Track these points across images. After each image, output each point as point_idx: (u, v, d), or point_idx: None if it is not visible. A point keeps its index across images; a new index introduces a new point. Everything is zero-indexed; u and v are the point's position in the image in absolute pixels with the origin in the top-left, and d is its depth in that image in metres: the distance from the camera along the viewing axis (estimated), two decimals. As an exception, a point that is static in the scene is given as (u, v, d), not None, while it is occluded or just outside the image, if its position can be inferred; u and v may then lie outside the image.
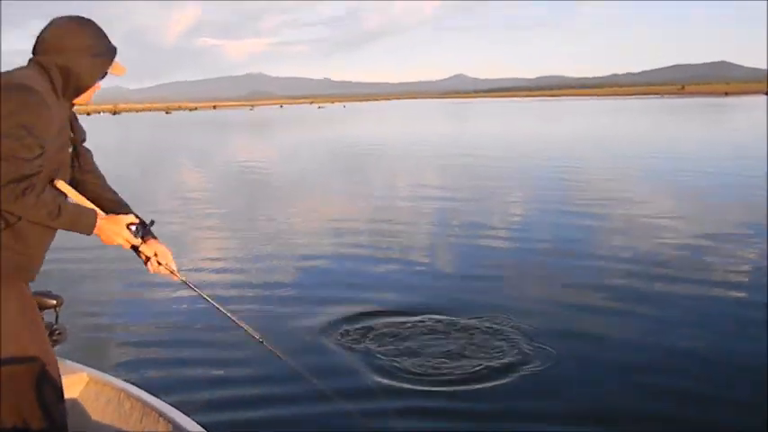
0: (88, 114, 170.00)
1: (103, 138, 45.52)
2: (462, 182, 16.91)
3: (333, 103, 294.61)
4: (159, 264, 2.49)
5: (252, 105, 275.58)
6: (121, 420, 2.78)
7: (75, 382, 2.92)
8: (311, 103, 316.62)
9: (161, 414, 2.63)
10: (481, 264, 8.48)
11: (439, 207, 12.97)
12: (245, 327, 2.74)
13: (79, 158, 2.46)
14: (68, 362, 2.98)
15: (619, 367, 5.13)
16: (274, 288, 7.50)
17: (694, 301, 6.66)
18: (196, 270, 8.23)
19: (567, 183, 15.83)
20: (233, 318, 2.72)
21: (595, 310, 6.51)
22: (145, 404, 2.74)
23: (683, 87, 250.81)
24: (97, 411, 2.85)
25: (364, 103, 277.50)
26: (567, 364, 5.11)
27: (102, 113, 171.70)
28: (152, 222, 2.53)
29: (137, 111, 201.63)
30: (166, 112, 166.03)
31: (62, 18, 2.30)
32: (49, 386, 2.30)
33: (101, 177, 2.60)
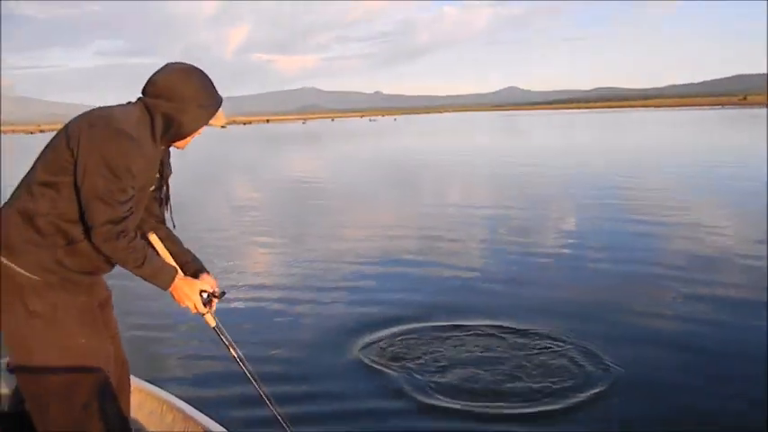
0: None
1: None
2: (516, 192, 16.41)
3: (384, 116, 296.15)
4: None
5: (304, 119, 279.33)
6: None
7: None
8: (362, 116, 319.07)
9: (204, 429, 2.58)
10: (535, 273, 8.26)
11: (493, 217, 12.68)
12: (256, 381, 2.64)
13: (162, 193, 2.54)
14: None
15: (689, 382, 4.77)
16: (325, 293, 7.44)
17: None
18: (249, 276, 8.37)
19: (622, 192, 15.22)
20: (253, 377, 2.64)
21: (657, 322, 6.20)
22: (187, 417, 2.68)
23: (744, 98, 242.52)
24: (140, 421, 2.80)
25: (415, 115, 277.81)
26: (636, 378, 4.81)
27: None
28: (223, 294, 2.55)
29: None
30: (222, 127, 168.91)
31: (176, 65, 2.35)
32: (109, 398, 2.33)
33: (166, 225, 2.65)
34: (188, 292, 2.40)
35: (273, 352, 5.61)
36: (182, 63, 2.37)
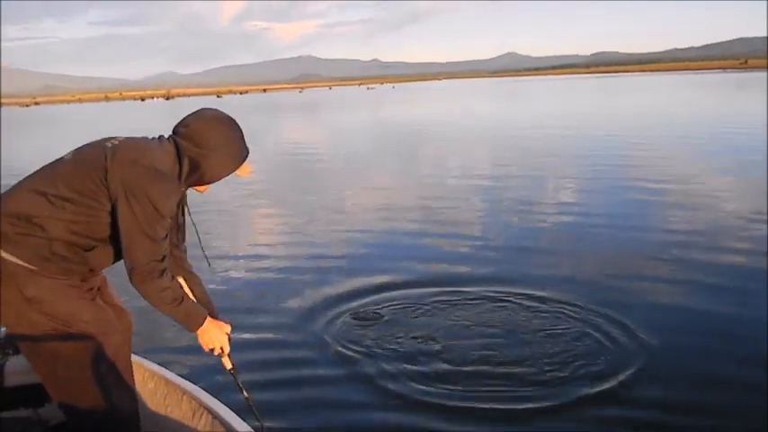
0: (143, 100, 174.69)
1: (160, 124, 45.81)
2: (519, 158, 16.07)
3: (382, 84, 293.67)
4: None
5: (301, 88, 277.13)
6: (155, 404, 2.78)
7: None
8: (360, 84, 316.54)
9: (207, 408, 2.58)
10: (543, 238, 8.15)
11: (494, 184, 12.51)
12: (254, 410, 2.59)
13: (179, 232, 2.60)
14: None
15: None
16: (324, 263, 7.29)
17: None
18: (249, 246, 8.32)
19: (628, 158, 14.86)
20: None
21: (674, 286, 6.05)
22: (190, 396, 2.68)
23: (746, 61, 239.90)
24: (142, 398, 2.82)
25: (414, 83, 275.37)
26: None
27: (155, 99, 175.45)
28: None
29: (188, 96, 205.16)
30: (217, 96, 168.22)
31: (211, 113, 2.41)
32: (121, 371, 2.42)
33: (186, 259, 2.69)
34: (218, 334, 2.47)
35: (264, 319, 5.56)
36: (217, 111, 2.42)
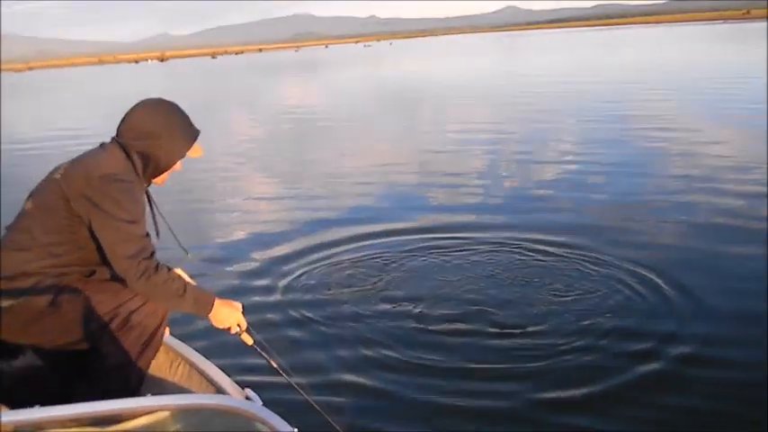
0: (137, 62, 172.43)
1: (154, 85, 45.25)
2: (516, 116, 15.60)
3: (379, 41, 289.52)
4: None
5: (297, 47, 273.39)
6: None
7: None
8: (357, 42, 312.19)
9: (202, 372, 2.57)
10: (544, 193, 8.10)
11: (496, 141, 12.28)
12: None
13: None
14: None
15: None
16: (321, 212, 7.58)
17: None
18: (249, 212, 8.33)
19: (634, 111, 14.05)
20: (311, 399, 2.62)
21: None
22: (189, 362, 2.65)
23: (747, 12, 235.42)
24: None
25: (411, 40, 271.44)
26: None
27: (149, 61, 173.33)
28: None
29: (183, 57, 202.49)
30: (212, 57, 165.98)
31: (147, 102, 2.42)
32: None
33: None
34: (231, 312, 2.45)
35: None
36: (153, 99, 2.44)
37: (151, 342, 2.41)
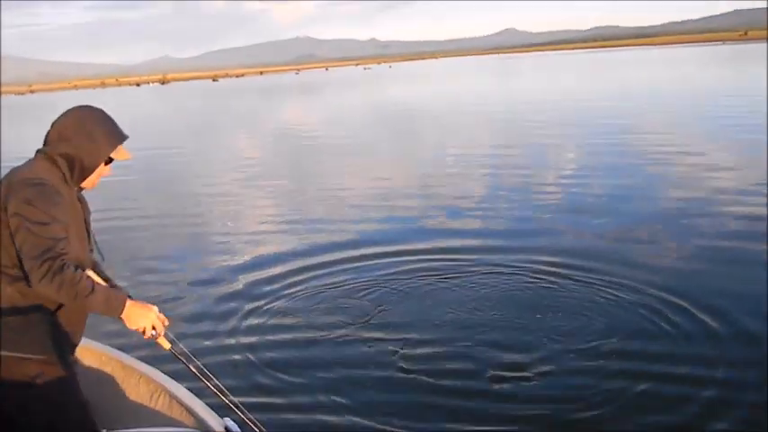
0: (138, 85, 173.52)
1: (155, 108, 45.35)
2: (519, 139, 15.59)
3: (379, 63, 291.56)
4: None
5: (297, 70, 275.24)
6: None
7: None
8: (357, 64, 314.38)
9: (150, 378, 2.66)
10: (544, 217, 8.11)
11: (495, 164, 12.30)
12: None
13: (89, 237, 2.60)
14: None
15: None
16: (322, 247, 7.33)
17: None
18: (250, 233, 8.40)
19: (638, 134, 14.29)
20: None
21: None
22: (125, 366, 2.76)
23: (745, 33, 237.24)
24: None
25: (411, 62, 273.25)
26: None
27: (151, 84, 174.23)
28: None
29: (184, 80, 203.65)
30: (213, 80, 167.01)
31: (70, 109, 2.46)
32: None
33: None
34: (144, 313, 2.40)
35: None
36: (76, 106, 2.48)
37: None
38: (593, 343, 4.41)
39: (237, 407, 2.50)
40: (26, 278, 2.21)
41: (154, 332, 2.44)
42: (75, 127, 2.38)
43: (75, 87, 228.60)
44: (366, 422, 3.69)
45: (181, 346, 2.60)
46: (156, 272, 6.96)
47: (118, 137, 2.48)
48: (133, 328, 2.39)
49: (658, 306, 4.90)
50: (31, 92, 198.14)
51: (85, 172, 2.41)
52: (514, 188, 9.97)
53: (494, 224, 7.85)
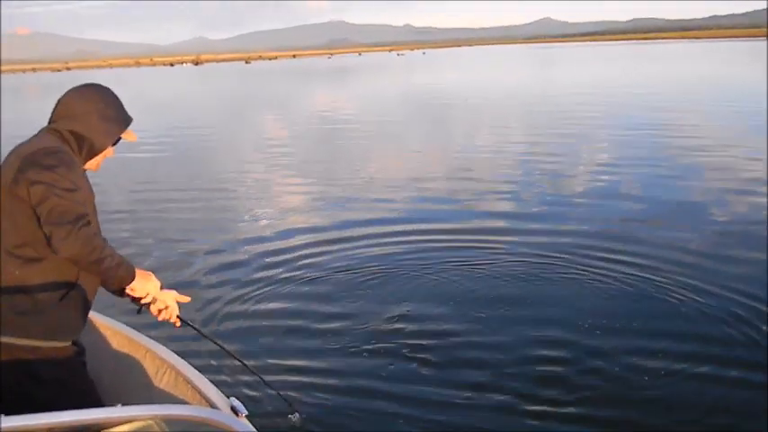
0: (172, 65, 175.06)
1: (188, 88, 45.65)
2: (551, 131, 15.07)
3: (412, 50, 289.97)
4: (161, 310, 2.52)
5: (330, 54, 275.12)
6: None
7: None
8: (390, 50, 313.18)
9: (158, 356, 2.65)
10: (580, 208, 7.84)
11: (526, 159, 11.76)
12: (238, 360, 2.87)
13: None
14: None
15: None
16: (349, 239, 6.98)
17: None
18: (277, 219, 8.11)
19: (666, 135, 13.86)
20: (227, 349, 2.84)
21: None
22: (132, 341, 2.76)
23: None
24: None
25: (445, 49, 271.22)
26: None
27: (185, 64, 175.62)
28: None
29: (217, 61, 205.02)
30: (246, 62, 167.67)
31: (78, 86, 2.41)
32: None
33: None
34: (147, 277, 2.37)
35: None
36: (83, 84, 2.43)
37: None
38: (642, 341, 4.21)
39: (263, 379, 2.62)
40: (38, 259, 2.18)
41: (165, 310, 2.43)
42: (86, 105, 2.33)
43: (111, 66, 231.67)
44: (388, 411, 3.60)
45: (197, 327, 2.67)
46: (178, 248, 6.96)
47: (127, 118, 2.45)
48: (139, 295, 2.36)
49: (736, 310, 4.63)
50: (68, 69, 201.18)
51: (93, 151, 2.36)
52: (553, 174, 9.82)
53: (529, 209, 7.79)
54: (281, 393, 3.38)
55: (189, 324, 2.62)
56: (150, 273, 2.43)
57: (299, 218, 8.00)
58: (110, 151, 2.42)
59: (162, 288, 2.44)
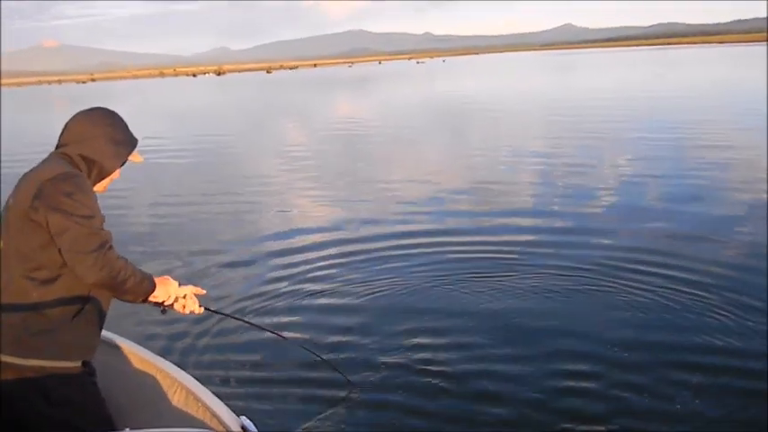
0: (194, 76, 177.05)
1: (209, 97, 45.97)
2: (571, 141, 15.01)
3: (432, 58, 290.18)
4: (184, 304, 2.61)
5: (350, 63, 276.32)
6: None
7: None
8: (410, 58, 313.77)
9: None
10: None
11: (544, 169, 11.61)
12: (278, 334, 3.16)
13: None
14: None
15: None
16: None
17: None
18: (298, 228, 8.07)
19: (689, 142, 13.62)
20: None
21: None
22: (143, 360, 2.75)
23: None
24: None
25: (465, 57, 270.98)
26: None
27: (207, 75, 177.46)
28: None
29: (239, 71, 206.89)
30: (267, 72, 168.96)
31: (83, 111, 2.43)
32: None
33: None
34: (167, 282, 2.47)
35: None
36: (89, 108, 2.45)
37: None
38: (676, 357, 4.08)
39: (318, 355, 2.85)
40: (54, 279, 2.20)
41: (184, 300, 2.54)
42: (94, 129, 2.35)
43: (135, 77, 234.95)
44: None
45: (220, 311, 2.79)
46: (202, 254, 7.07)
47: (133, 140, 2.48)
48: (162, 300, 2.46)
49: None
50: (92, 80, 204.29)
51: (103, 174, 2.39)
52: (579, 186, 9.65)
53: (555, 221, 7.65)
54: (338, 369, 3.83)
55: (212, 310, 2.81)
56: (167, 277, 2.51)
57: (318, 228, 7.95)
58: (117, 173, 2.45)
59: (180, 285, 2.54)
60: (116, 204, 9.36)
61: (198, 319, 4.87)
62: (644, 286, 5.19)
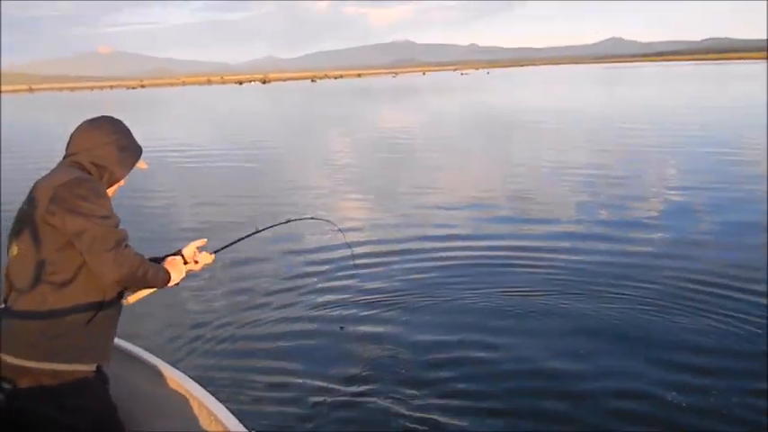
0: (240, 84, 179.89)
1: (253, 104, 46.24)
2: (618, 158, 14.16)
3: (477, 69, 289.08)
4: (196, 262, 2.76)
5: (395, 73, 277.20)
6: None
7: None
8: (454, 69, 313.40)
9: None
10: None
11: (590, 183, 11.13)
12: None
13: None
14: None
15: None
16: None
17: None
18: (335, 235, 7.91)
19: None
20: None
21: None
22: (153, 368, 2.80)
23: None
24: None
25: (510, 69, 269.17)
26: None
27: (253, 83, 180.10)
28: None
29: (284, 80, 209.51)
30: (312, 81, 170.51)
31: (90, 119, 2.50)
32: None
33: None
34: (176, 264, 2.58)
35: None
36: (95, 117, 2.52)
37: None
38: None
39: None
40: (69, 281, 2.25)
41: (195, 264, 2.69)
42: (103, 137, 2.42)
43: (183, 84, 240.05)
44: None
45: (229, 243, 2.92)
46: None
47: (139, 148, 2.55)
48: (179, 278, 2.58)
49: None
50: (142, 86, 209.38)
51: (112, 181, 2.45)
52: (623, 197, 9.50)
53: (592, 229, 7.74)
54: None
55: (221, 248, 2.89)
56: (171, 258, 2.62)
57: (357, 236, 8.03)
58: (123, 180, 2.51)
59: (181, 250, 2.69)
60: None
61: (208, 326, 5.18)
62: (685, 301, 5.27)
